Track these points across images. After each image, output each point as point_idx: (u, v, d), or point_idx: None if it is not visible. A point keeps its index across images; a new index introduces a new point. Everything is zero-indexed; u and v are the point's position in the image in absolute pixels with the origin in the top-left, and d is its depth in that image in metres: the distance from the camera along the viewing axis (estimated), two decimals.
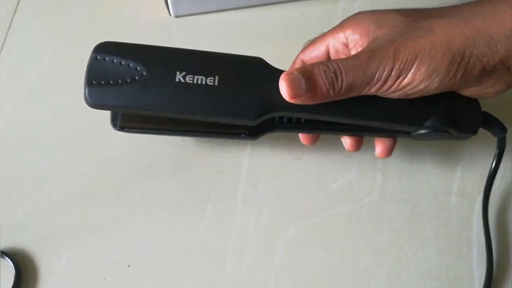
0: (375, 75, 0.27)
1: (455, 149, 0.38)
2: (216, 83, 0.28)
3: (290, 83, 0.27)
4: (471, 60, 0.26)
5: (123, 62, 0.28)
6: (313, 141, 0.35)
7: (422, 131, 0.30)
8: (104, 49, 0.29)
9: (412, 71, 0.26)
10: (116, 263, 0.34)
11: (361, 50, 0.28)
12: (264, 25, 0.46)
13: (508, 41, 0.26)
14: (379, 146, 0.33)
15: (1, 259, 0.34)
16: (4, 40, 0.45)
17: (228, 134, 0.34)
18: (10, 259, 0.33)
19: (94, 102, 0.28)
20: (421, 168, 0.38)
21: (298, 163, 0.38)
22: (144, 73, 0.28)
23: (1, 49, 0.45)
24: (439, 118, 0.30)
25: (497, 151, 0.34)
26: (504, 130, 0.32)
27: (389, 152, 0.33)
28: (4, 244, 0.35)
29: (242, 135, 0.33)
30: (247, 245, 0.35)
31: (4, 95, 0.42)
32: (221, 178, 0.38)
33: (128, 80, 0.28)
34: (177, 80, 0.28)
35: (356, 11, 0.30)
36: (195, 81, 0.28)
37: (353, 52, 0.30)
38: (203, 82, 0.28)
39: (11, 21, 0.47)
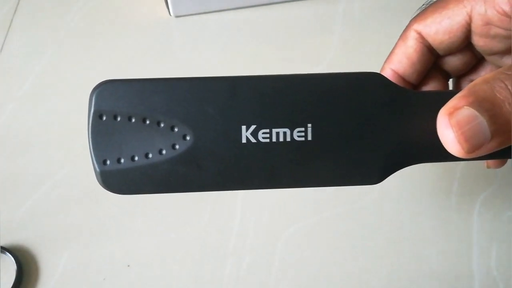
0: None
1: None
2: (309, 137, 0.18)
3: (463, 130, 0.16)
4: None
5: (147, 120, 0.18)
6: (502, 164, 0.25)
7: None
8: (110, 98, 0.18)
9: None
10: (116, 263, 0.34)
11: None
12: (264, 25, 0.46)
13: None
14: None
15: (3, 255, 0.34)
16: (4, 40, 0.45)
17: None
18: (12, 256, 0.34)
19: (116, 190, 0.20)
20: (421, 168, 0.38)
21: None
22: (187, 136, 0.18)
23: (1, 49, 0.45)
24: None
25: None
26: None
27: None
28: (6, 241, 0.35)
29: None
30: (247, 245, 0.35)
31: (4, 95, 0.42)
32: None
33: (163, 151, 0.18)
34: (244, 141, 0.18)
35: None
36: (274, 139, 0.18)
37: None
38: (288, 139, 0.18)
39: (11, 21, 0.47)
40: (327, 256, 0.34)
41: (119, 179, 0.19)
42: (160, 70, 0.43)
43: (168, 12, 0.46)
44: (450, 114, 0.16)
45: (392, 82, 0.19)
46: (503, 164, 0.25)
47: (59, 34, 0.46)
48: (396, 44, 0.23)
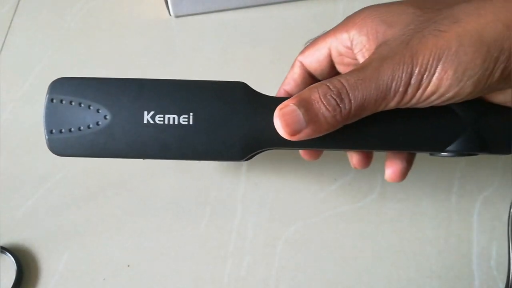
0: (391, 87, 0.22)
1: None
2: (191, 122, 0.25)
3: (285, 118, 0.23)
4: None
5: (82, 104, 0.25)
6: (316, 157, 0.31)
7: (446, 154, 0.26)
8: (60, 88, 0.26)
9: (436, 75, 0.22)
10: (116, 263, 0.34)
11: (368, 59, 0.23)
12: (264, 25, 0.46)
13: None
14: (390, 168, 0.29)
15: (3, 255, 0.34)
16: (4, 40, 0.45)
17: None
18: (12, 256, 0.34)
19: (58, 151, 0.26)
20: (421, 168, 0.38)
21: (298, 163, 0.38)
22: (107, 116, 0.25)
23: (1, 49, 0.45)
24: (466, 140, 0.25)
25: None
26: None
27: (402, 175, 0.29)
28: (6, 241, 0.35)
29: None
30: (247, 245, 0.35)
31: (4, 95, 0.42)
32: (221, 178, 0.38)
33: (90, 125, 0.25)
34: (145, 122, 0.25)
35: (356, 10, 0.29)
36: (166, 122, 0.25)
37: (359, 58, 0.26)
38: (176, 122, 0.25)
39: (11, 21, 0.47)
40: (327, 256, 0.34)
41: (60, 144, 0.26)
42: (160, 70, 0.43)
43: (168, 12, 0.46)
44: (280, 109, 0.23)
45: (253, 89, 0.26)
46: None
47: (59, 34, 0.46)
48: (289, 71, 0.30)
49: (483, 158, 0.37)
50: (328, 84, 0.23)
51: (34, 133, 0.40)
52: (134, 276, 0.34)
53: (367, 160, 0.30)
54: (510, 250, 0.33)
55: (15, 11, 0.47)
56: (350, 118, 0.23)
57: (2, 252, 0.34)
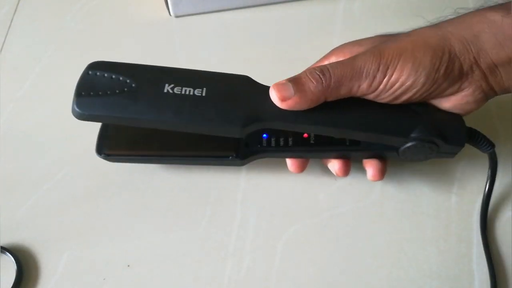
0: (363, 70, 0.28)
1: None
2: (203, 94, 0.29)
3: (278, 88, 0.29)
4: (451, 56, 0.28)
5: (113, 76, 0.29)
6: (302, 169, 0.35)
7: (409, 144, 0.30)
8: (97, 66, 0.30)
9: (399, 66, 0.28)
10: (116, 263, 0.34)
11: None
12: (264, 25, 0.46)
13: (477, 40, 0.28)
14: (370, 168, 0.34)
15: (3, 255, 0.34)
16: (4, 40, 0.45)
17: (215, 158, 0.35)
18: (12, 256, 0.34)
19: (82, 111, 0.29)
20: (421, 168, 0.38)
21: None
22: (133, 85, 0.29)
23: (1, 49, 0.45)
24: (425, 128, 0.30)
25: (489, 171, 0.34)
26: (492, 145, 0.32)
27: (381, 173, 0.34)
28: (6, 241, 0.35)
29: (230, 158, 0.34)
30: (247, 245, 0.35)
31: (4, 95, 0.42)
32: (221, 178, 0.38)
33: (117, 91, 0.29)
34: (165, 91, 0.29)
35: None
36: (183, 92, 0.29)
37: None
38: (191, 93, 0.29)
39: (11, 21, 0.47)
40: (327, 257, 0.34)
41: (85, 105, 0.29)
42: None
43: (168, 12, 0.46)
44: (275, 84, 0.29)
45: (254, 80, 0.31)
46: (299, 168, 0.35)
47: (59, 34, 0.46)
48: None
49: (482, 158, 0.38)
50: (313, 67, 0.29)
51: (34, 133, 0.40)
52: (134, 276, 0.34)
53: (346, 167, 0.34)
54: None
55: (15, 11, 0.47)
56: (330, 91, 0.29)
57: (2, 252, 0.34)
